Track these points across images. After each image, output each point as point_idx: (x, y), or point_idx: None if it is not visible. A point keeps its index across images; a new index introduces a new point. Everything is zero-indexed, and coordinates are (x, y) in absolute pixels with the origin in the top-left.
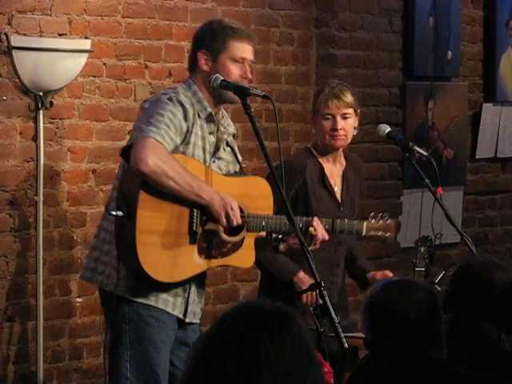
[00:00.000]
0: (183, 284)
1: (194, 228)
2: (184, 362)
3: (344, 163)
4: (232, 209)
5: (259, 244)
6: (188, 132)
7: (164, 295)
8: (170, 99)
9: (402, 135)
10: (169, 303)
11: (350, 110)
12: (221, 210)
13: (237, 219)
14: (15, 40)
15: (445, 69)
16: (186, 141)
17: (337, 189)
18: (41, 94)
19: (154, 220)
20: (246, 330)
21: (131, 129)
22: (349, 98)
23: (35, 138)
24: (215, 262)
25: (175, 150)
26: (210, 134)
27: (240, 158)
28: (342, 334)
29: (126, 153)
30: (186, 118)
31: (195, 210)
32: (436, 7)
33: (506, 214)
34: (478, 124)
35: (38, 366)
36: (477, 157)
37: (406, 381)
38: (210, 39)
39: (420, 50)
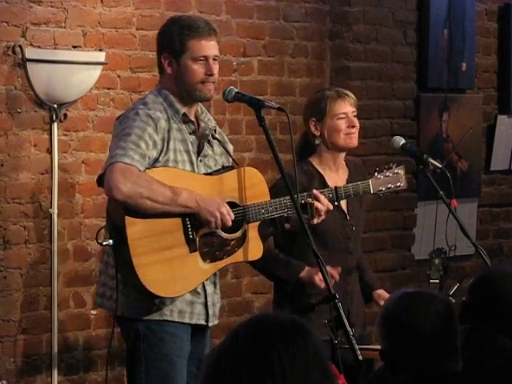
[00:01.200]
0: (196, 290)
1: (191, 236)
2: (197, 374)
3: (347, 170)
4: (220, 212)
5: (261, 227)
6: (164, 141)
7: (178, 307)
8: (136, 114)
9: (416, 147)
10: (185, 314)
11: (355, 109)
12: (210, 217)
13: (227, 221)
14: (29, 52)
15: (459, 81)
16: (164, 150)
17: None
18: (55, 106)
19: (146, 240)
20: (260, 342)
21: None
22: (353, 95)
23: (50, 151)
24: (222, 263)
25: (155, 163)
26: (191, 133)
27: (231, 147)
28: (357, 346)
29: (102, 180)
30: (156, 128)
31: (187, 219)
32: (450, 19)
33: None
34: (493, 136)
35: (53, 378)
36: (491, 169)
37: None
38: (169, 42)
39: (434, 62)
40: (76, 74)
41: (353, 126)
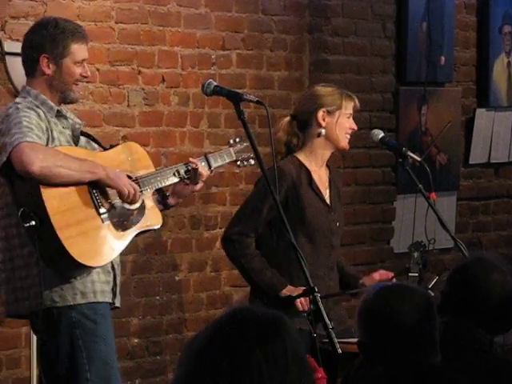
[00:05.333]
0: (107, 269)
1: (100, 208)
2: (176, 367)
3: (327, 170)
4: (132, 186)
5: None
6: (48, 130)
7: (100, 287)
8: (17, 109)
9: (395, 140)
10: (106, 293)
11: None
12: (123, 187)
13: (137, 195)
14: (8, 46)
15: (438, 74)
16: (50, 139)
17: (326, 192)
18: None
19: (64, 215)
20: (239, 345)
21: None
22: None
23: None
24: (132, 232)
25: None
26: (65, 128)
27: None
28: (336, 340)
29: (5, 169)
30: (40, 117)
31: (94, 191)
32: (429, 13)
33: (500, 219)
34: (472, 129)
35: (32, 371)
36: (470, 162)
37: None
38: (51, 44)
39: (413, 55)
40: None
41: (352, 129)
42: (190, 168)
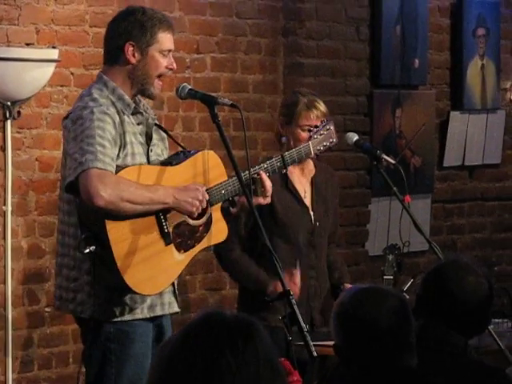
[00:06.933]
0: None
1: (166, 230)
2: (148, 372)
3: (313, 170)
4: (199, 200)
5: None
6: (121, 135)
7: (148, 302)
8: (91, 112)
9: (369, 143)
10: (156, 307)
11: (324, 119)
12: (191, 207)
13: (203, 205)
14: None
15: (412, 77)
16: (122, 145)
17: (306, 194)
18: (8, 103)
19: (127, 242)
20: (209, 350)
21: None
22: (324, 107)
23: (3, 148)
24: (195, 250)
25: (116, 159)
26: (139, 124)
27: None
28: (311, 343)
29: (72, 187)
30: (115, 125)
31: (160, 213)
32: (403, 16)
33: (474, 222)
34: (446, 132)
35: (7, 376)
36: (444, 165)
37: None
38: (139, 31)
39: (387, 58)
40: (29, 71)
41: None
42: (254, 178)
